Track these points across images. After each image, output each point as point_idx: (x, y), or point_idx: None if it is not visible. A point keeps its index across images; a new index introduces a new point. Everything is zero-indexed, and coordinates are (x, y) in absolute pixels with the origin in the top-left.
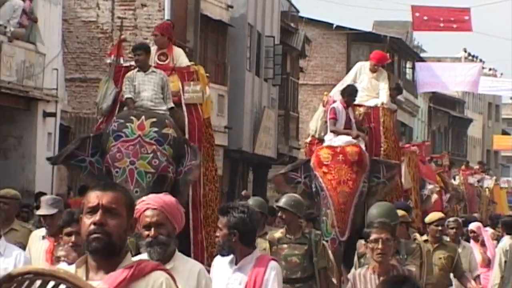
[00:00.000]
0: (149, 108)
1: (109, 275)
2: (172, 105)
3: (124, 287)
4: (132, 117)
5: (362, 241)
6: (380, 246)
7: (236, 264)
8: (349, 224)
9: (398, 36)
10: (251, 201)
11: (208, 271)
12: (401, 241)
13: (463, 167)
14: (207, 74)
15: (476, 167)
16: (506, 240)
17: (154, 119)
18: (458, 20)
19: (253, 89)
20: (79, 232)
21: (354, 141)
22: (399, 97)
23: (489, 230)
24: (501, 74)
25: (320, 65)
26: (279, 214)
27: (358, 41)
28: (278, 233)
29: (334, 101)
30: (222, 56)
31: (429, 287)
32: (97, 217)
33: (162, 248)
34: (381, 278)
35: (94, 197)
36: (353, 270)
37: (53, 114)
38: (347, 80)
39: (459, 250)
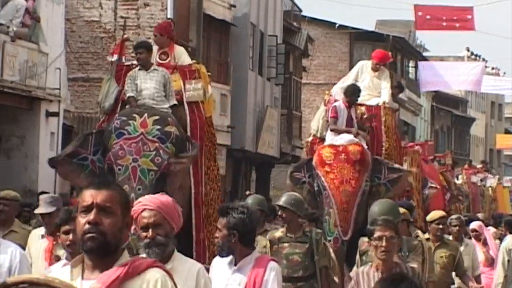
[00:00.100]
0: (151, 107)
1: (103, 273)
2: (175, 102)
3: (118, 286)
4: (134, 115)
5: (364, 239)
6: (384, 244)
7: (235, 264)
8: (352, 224)
9: (400, 35)
10: (250, 199)
11: (208, 270)
12: (403, 238)
13: (466, 166)
14: (209, 73)
15: (479, 166)
16: (509, 239)
17: (157, 117)
18: (460, 19)
19: (256, 88)
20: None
21: (356, 139)
22: (402, 96)
23: (491, 229)
24: (504, 73)
25: (323, 64)
26: (279, 213)
27: (361, 40)
28: (278, 232)
29: (336, 100)
30: (225, 56)
31: (430, 284)
32: (91, 216)
33: (161, 249)
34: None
35: (88, 196)
36: (355, 268)
37: (56, 114)
38: (349, 77)
39: (462, 248)
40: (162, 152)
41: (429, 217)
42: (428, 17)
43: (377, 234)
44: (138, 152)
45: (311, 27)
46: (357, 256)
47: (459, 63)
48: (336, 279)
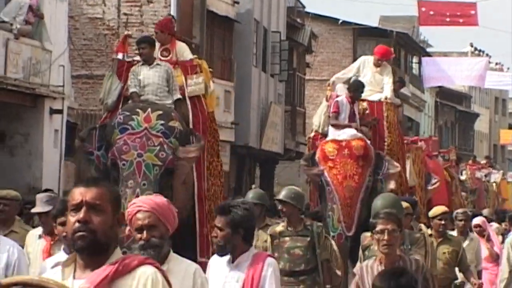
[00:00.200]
0: (154, 102)
1: (92, 273)
2: (178, 96)
3: (108, 284)
4: (138, 110)
5: (366, 234)
6: (386, 237)
7: (232, 262)
8: (355, 219)
9: (404, 31)
10: (251, 194)
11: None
12: (405, 231)
13: (470, 161)
14: (211, 70)
15: (483, 161)
16: None
17: (161, 112)
18: (464, 15)
19: (260, 84)
20: None
21: (359, 134)
22: (405, 92)
23: (494, 225)
24: (508, 68)
25: (326, 60)
26: (280, 207)
27: (365, 36)
28: (279, 227)
29: (338, 96)
30: (228, 52)
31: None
32: (81, 214)
33: (156, 251)
34: None
35: (77, 194)
36: (358, 263)
37: (60, 111)
38: (350, 70)
39: (467, 242)
40: (166, 147)
41: (431, 213)
42: (431, 12)
43: (379, 227)
44: (142, 147)
45: (314, 23)
46: (360, 251)
47: (462, 59)
48: (338, 272)
